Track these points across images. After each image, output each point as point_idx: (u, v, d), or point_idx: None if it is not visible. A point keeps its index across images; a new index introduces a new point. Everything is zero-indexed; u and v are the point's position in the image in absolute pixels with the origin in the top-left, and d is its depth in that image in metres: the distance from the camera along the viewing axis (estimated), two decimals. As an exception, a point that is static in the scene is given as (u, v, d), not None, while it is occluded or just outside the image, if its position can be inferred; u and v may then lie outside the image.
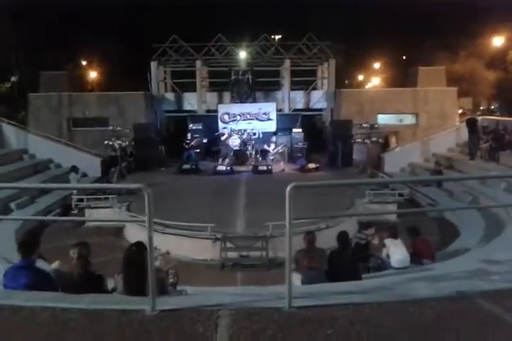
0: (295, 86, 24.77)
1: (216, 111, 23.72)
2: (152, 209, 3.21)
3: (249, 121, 23.03)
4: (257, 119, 23.15)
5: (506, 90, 30.10)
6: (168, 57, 24.22)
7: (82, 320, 3.09)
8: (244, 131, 21.85)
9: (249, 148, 21.16)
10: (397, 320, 3.06)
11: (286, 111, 24.08)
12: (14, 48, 30.70)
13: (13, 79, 33.37)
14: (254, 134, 21.91)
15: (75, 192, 15.11)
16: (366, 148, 20.24)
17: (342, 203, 13.63)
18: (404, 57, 40.19)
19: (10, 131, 21.12)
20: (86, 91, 29.83)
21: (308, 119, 26.08)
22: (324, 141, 24.04)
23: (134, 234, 11.56)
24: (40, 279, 4.27)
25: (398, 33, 34.90)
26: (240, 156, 20.96)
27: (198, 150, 22.19)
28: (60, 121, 23.11)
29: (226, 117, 23.25)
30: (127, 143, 19.62)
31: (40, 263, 4.76)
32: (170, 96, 25.20)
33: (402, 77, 29.83)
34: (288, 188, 3.16)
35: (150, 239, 3.24)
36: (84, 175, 19.77)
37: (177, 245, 10.73)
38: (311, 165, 19.98)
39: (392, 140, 23.27)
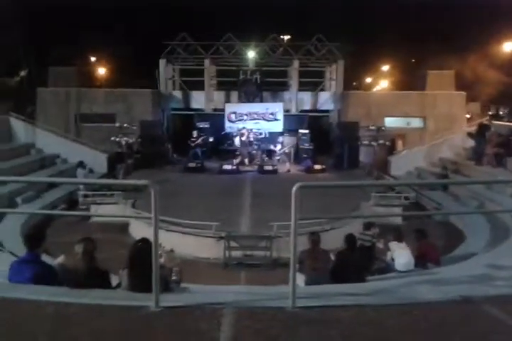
0: (303, 87, 24.72)
1: (223, 110, 23.74)
2: (158, 206, 3.21)
3: (256, 121, 23.02)
4: (264, 119, 23.14)
5: (515, 96, 29.95)
6: (176, 55, 24.25)
7: (85, 315, 3.10)
8: (251, 130, 21.84)
9: (256, 148, 21.14)
10: (400, 322, 3.05)
11: (294, 111, 24.05)
12: (23, 43, 30.80)
13: (22, 73, 33.48)
14: (261, 134, 21.89)
15: (81, 187, 15.15)
16: (373, 151, 20.20)
17: (347, 205, 13.61)
18: (413, 61, 39.99)
19: (18, 126, 21.23)
20: (94, 87, 29.81)
21: (315, 120, 26.01)
22: (331, 142, 23.99)
23: (139, 230, 11.60)
24: (45, 273, 4.28)
25: (407, 36, 34.75)
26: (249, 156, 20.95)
27: (205, 149, 22.21)
28: (67, 116, 23.20)
29: (233, 116, 23.25)
30: (134, 140, 19.70)
31: (45, 258, 4.78)
32: (178, 94, 25.23)
33: (411, 80, 29.68)
34: (294, 188, 3.16)
35: (155, 236, 3.24)
36: (91, 170, 19.82)
37: (181, 243, 10.75)
38: (317, 167, 19.96)
39: (399, 143, 23.21)
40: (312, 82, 25.34)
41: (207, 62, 24.07)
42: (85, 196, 14.74)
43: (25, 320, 3.03)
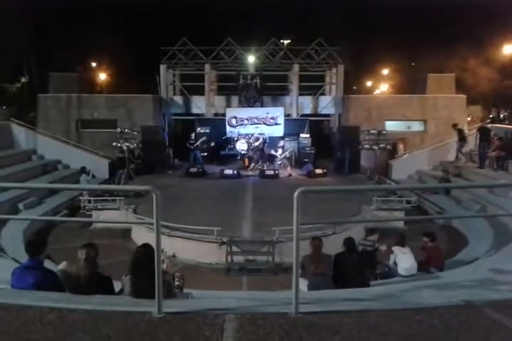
0: (303, 91, 24.76)
1: (224, 114, 23.76)
2: (160, 211, 3.22)
3: (256, 126, 23.04)
4: (265, 124, 23.15)
5: (515, 98, 29.97)
6: (177, 60, 24.31)
7: (88, 321, 3.10)
8: (252, 135, 21.86)
9: (257, 152, 21.13)
10: (404, 327, 3.04)
11: (294, 116, 24.08)
12: (25, 49, 30.95)
13: (23, 79, 33.62)
14: (263, 139, 21.89)
15: (84, 193, 15.15)
16: (374, 155, 20.18)
17: (349, 209, 13.59)
18: (413, 64, 40.07)
19: (19, 132, 21.30)
20: (95, 92, 29.98)
21: (315, 125, 26.04)
22: (332, 146, 24.00)
23: (141, 236, 11.58)
24: (47, 279, 4.28)
25: (407, 39, 34.85)
26: (248, 160, 20.96)
27: (206, 154, 22.22)
28: (68, 122, 23.26)
29: (234, 121, 23.28)
30: (135, 145, 19.71)
31: (47, 264, 4.78)
32: (178, 99, 25.28)
33: (411, 83, 29.78)
34: (296, 193, 3.16)
35: (157, 241, 3.24)
36: (93, 176, 19.85)
37: (183, 248, 10.75)
38: (318, 171, 19.95)
39: (400, 147, 23.20)
40: (312, 86, 25.37)
41: (207, 67, 24.13)
42: (87, 202, 14.72)
43: (28, 327, 3.03)
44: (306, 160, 21.65)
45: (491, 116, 28.25)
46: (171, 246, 10.14)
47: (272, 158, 21.16)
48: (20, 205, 14.67)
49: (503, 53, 28.40)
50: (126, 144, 18.94)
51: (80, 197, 15.09)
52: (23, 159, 19.78)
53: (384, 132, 20.37)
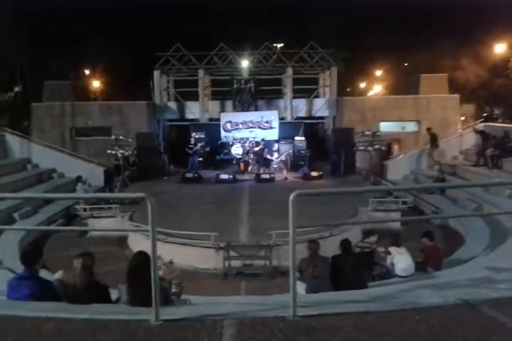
0: (297, 94, 24.83)
1: (218, 119, 23.78)
2: (155, 218, 3.21)
3: (251, 130, 23.06)
4: (260, 128, 23.18)
5: (508, 97, 30.11)
6: (170, 66, 24.34)
7: (86, 330, 3.08)
8: (247, 139, 21.87)
9: (252, 156, 21.16)
10: (402, 328, 3.04)
11: (289, 119, 24.12)
12: (18, 58, 30.91)
13: (16, 88, 33.54)
14: (258, 143, 21.90)
15: (80, 202, 15.09)
16: (369, 156, 20.22)
17: (345, 211, 13.61)
18: (406, 65, 40.24)
19: (13, 141, 21.23)
20: (89, 100, 29.90)
21: (310, 127, 26.11)
22: (327, 148, 24.05)
23: (138, 243, 11.54)
24: (44, 289, 4.26)
25: (399, 40, 34.98)
26: (243, 165, 20.96)
27: (201, 159, 22.21)
28: (63, 130, 23.22)
29: (228, 126, 23.30)
30: (130, 152, 19.66)
31: (44, 274, 4.76)
32: (172, 105, 25.29)
33: (404, 84, 29.87)
34: (291, 196, 3.16)
35: (153, 248, 3.23)
36: (88, 184, 19.80)
37: (180, 254, 10.71)
38: (314, 173, 19.96)
39: (395, 147, 23.27)
40: (306, 89, 25.45)
41: (201, 72, 24.16)
42: (83, 210, 14.68)
43: (26, 338, 3.01)
44: (302, 163, 21.67)
45: (484, 114, 28.44)
46: (168, 252, 10.07)
47: (267, 162, 21.19)
48: (16, 215, 14.59)
49: (494, 52, 28.57)
50: (121, 151, 18.89)
51: (76, 206, 15.03)
52: (18, 168, 19.71)
53: (378, 133, 20.43)
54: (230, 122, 23.35)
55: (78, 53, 33.13)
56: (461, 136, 21.89)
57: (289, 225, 3.18)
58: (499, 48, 27.92)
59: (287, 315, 3.18)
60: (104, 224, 14.14)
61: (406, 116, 23.58)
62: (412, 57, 36.24)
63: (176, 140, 26.50)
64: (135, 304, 3.77)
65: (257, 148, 20.91)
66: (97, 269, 4.70)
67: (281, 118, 23.76)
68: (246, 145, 21.47)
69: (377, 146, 19.92)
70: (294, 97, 24.40)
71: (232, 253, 10.83)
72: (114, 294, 4.56)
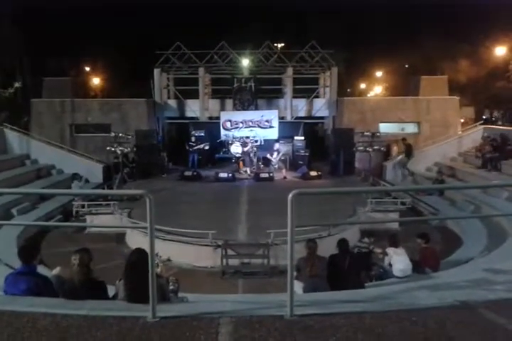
0: (297, 94, 24.82)
1: (218, 118, 23.77)
2: (153, 216, 3.21)
3: (251, 129, 23.05)
4: (259, 127, 23.17)
5: (508, 99, 30.16)
6: (171, 64, 24.31)
7: (83, 326, 3.08)
8: (247, 138, 21.86)
9: (251, 155, 21.15)
10: (399, 329, 3.04)
11: (289, 118, 24.12)
12: (18, 54, 30.88)
13: (16, 84, 33.50)
14: (256, 141, 21.92)
15: (76, 199, 15.08)
16: (368, 157, 20.23)
17: (344, 211, 13.61)
18: (406, 66, 40.27)
19: (13, 137, 21.22)
20: (89, 97, 29.86)
21: (310, 127, 26.11)
22: (326, 149, 24.05)
23: (136, 240, 11.54)
24: (41, 285, 4.25)
25: (401, 41, 35.00)
26: (242, 163, 20.96)
27: (201, 157, 22.20)
28: (62, 127, 23.17)
29: (228, 124, 23.29)
30: (129, 149, 19.65)
31: (41, 270, 4.75)
32: (172, 103, 25.27)
33: (404, 85, 29.88)
34: (290, 195, 3.16)
35: (151, 245, 3.23)
36: (87, 181, 19.80)
37: (178, 252, 10.74)
38: (313, 173, 19.97)
39: (394, 149, 23.28)
40: (306, 89, 25.44)
41: (201, 70, 24.14)
42: (81, 206, 14.67)
43: (22, 333, 3.01)
44: (301, 162, 21.66)
45: (484, 117, 28.48)
46: (166, 250, 10.14)
47: (266, 161, 21.20)
48: (14, 211, 14.59)
49: (495, 54, 28.58)
50: (120, 148, 18.88)
51: (74, 202, 15.02)
52: (17, 164, 19.70)
53: (378, 134, 20.44)
54: (229, 121, 23.34)
55: (78, 50, 33.09)
56: (460, 138, 21.90)
57: (288, 224, 3.18)
58: (500, 51, 27.91)
59: (284, 314, 3.19)
60: (102, 221, 14.13)
61: (406, 117, 23.57)
62: (412, 59, 36.29)
63: (176, 138, 26.48)
64: (132, 301, 3.77)
65: (245, 148, 20.89)
66: (94, 265, 4.69)
67: (281, 118, 23.76)
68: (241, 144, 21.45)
69: (376, 147, 19.93)
70: (294, 97, 24.39)
71: (230, 252, 10.83)
72: (111, 290, 4.56)
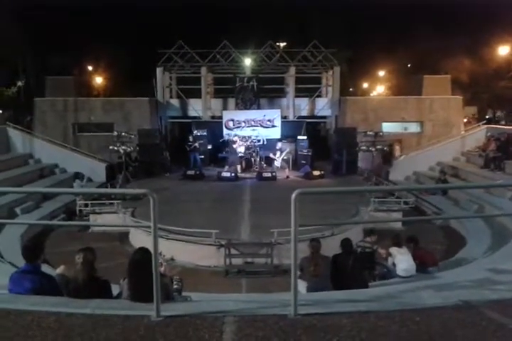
0: (300, 93, 24.82)
1: (221, 117, 23.79)
2: (157, 215, 3.21)
3: (253, 128, 23.06)
4: (262, 126, 23.18)
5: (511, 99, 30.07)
6: (173, 63, 24.35)
7: (87, 325, 3.09)
8: (249, 137, 21.86)
9: (254, 154, 21.17)
10: (403, 328, 3.04)
11: (291, 118, 24.12)
12: (21, 53, 30.93)
13: (19, 83, 33.58)
14: (259, 141, 21.93)
15: (78, 198, 15.11)
16: (371, 156, 20.20)
17: (347, 211, 13.60)
18: (409, 65, 40.19)
19: (16, 136, 21.26)
20: (92, 96, 29.91)
21: (312, 126, 26.13)
22: (329, 148, 24.04)
23: (139, 239, 11.57)
24: (45, 284, 4.26)
25: (403, 41, 34.96)
26: (245, 163, 20.97)
27: (203, 156, 22.22)
28: (65, 126, 23.22)
29: (231, 124, 23.30)
30: (132, 148, 19.67)
31: (45, 268, 4.76)
32: (175, 102, 25.30)
33: (407, 85, 29.81)
34: (293, 195, 3.16)
35: (155, 244, 3.23)
36: (90, 180, 19.83)
37: (181, 251, 10.74)
38: (316, 173, 19.96)
39: (397, 148, 23.24)
40: (309, 88, 25.45)
41: (203, 69, 24.16)
42: (84, 205, 14.70)
43: (27, 331, 3.01)
44: (304, 162, 21.66)
45: (487, 116, 28.41)
46: (169, 249, 10.12)
47: (269, 161, 21.21)
48: (18, 210, 14.63)
49: (498, 54, 28.48)
50: (123, 147, 18.90)
51: (77, 202, 15.05)
52: (20, 163, 19.73)
53: (381, 133, 20.41)
54: (232, 120, 23.36)
55: (81, 49, 33.13)
56: (463, 137, 21.85)
57: (291, 224, 3.18)
58: (503, 50, 27.81)
59: (288, 313, 3.19)
60: (105, 220, 14.16)
61: (408, 116, 23.54)
62: (415, 58, 36.20)
63: (178, 137, 26.51)
64: (136, 300, 3.78)
65: (234, 145, 20.91)
66: (98, 264, 4.70)
67: (283, 117, 23.77)
68: (248, 143, 21.46)
69: (379, 146, 19.90)
70: (297, 96, 24.40)
71: (233, 251, 10.84)
72: (115, 289, 4.57)
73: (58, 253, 9.47)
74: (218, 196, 16.24)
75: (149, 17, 36.06)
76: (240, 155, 21.24)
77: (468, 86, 31.04)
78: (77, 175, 18.29)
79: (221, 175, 19.44)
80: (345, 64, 31.79)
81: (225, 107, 24.78)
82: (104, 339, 2.92)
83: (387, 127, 23.30)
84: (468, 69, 31.43)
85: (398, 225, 13.46)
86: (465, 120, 27.45)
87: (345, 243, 6.98)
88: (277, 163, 20.90)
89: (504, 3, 28.00)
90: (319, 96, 25.25)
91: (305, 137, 23.00)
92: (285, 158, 21.11)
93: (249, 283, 10.00)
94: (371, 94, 42.81)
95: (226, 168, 20.63)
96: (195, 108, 24.61)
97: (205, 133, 22.77)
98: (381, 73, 42.64)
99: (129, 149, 19.32)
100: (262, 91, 24.40)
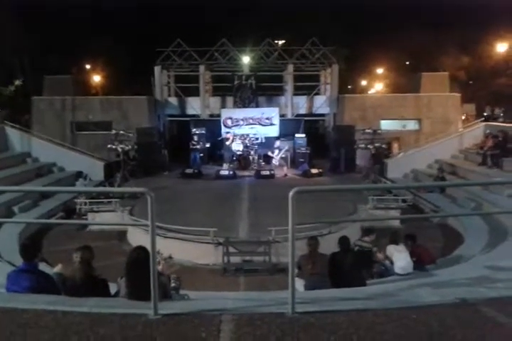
0: (298, 91, 24.81)
1: (219, 115, 23.78)
2: (154, 213, 3.21)
3: (252, 126, 23.04)
4: (260, 124, 23.17)
5: (510, 96, 30.07)
6: (171, 61, 24.30)
7: (84, 323, 3.08)
8: (247, 135, 21.85)
9: (252, 152, 21.17)
10: (400, 326, 3.04)
11: (289, 116, 24.11)
12: (19, 52, 30.84)
13: (17, 82, 33.47)
14: (257, 139, 21.92)
15: (80, 196, 15.09)
16: (369, 154, 20.20)
17: (345, 209, 13.60)
18: (407, 63, 40.19)
19: (14, 135, 21.21)
20: (90, 95, 29.88)
21: (311, 124, 26.15)
22: (327, 146, 24.04)
23: (137, 238, 11.56)
24: (43, 282, 4.26)
25: (401, 38, 34.93)
26: (242, 161, 20.97)
27: (202, 154, 22.21)
28: (63, 124, 23.18)
29: (229, 122, 23.28)
30: (130, 147, 19.64)
31: (43, 267, 4.76)
32: (173, 100, 25.26)
33: (405, 82, 29.82)
34: (291, 193, 3.16)
35: (153, 243, 3.23)
36: (89, 179, 19.81)
37: (179, 249, 10.73)
38: (314, 171, 19.97)
39: (395, 146, 23.25)
40: (307, 86, 25.44)
41: (202, 68, 24.13)
42: (83, 204, 14.68)
43: (24, 330, 3.01)
44: (302, 160, 21.67)
45: (485, 114, 28.42)
46: (167, 247, 10.12)
47: (267, 159, 21.22)
48: (15, 208, 14.60)
49: (496, 51, 28.50)
50: (121, 146, 18.87)
51: (76, 200, 15.04)
52: (18, 162, 19.70)
53: (379, 131, 20.40)
54: (230, 118, 23.34)
55: (79, 48, 33.06)
56: (461, 135, 21.86)
57: (289, 222, 3.18)
58: (501, 47, 27.83)
59: (286, 312, 3.19)
60: (103, 219, 14.15)
61: (407, 114, 23.55)
62: (413, 56, 36.19)
63: (177, 135, 26.49)
64: (134, 298, 3.78)
65: (227, 143, 20.95)
66: (96, 263, 4.71)
67: (281, 115, 23.76)
68: (246, 141, 21.46)
69: (377, 144, 19.90)
70: (295, 94, 24.39)
71: (231, 249, 10.84)
72: (113, 288, 4.57)
73: (56, 251, 9.46)
74: (216, 194, 16.23)
75: (147, 15, 36.01)
76: (238, 153, 21.24)
77: (467, 83, 31.07)
78: (80, 175, 18.27)
79: (219, 173, 19.44)
80: (343, 62, 31.78)
81: (223, 105, 24.76)
82: (101, 337, 2.92)
83: (386, 125, 23.30)
84: (466, 66, 31.46)
85: (396, 223, 13.47)
86: (463, 117, 27.44)
87: (343, 241, 6.98)
88: (275, 161, 20.90)
89: (502, 0, 28.00)
90: (317, 94, 25.23)
91: (303, 135, 22.99)
92: (283, 156, 21.10)
93: (247, 281, 10.00)
94: (369, 92, 42.81)
95: (224, 165, 20.65)
96: (194, 106, 24.59)
97: (203, 132, 22.76)
98: (379, 71, 42.64)
99: (127, 148, 19.29)
100: (260, 90, 24.38)
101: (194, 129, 22.90)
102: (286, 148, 21.59)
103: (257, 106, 23.88)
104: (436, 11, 33.61)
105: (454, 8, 30.88)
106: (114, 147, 18.89)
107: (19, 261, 4.74)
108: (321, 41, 24.24)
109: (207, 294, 6.45)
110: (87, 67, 37.70)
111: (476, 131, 21.45)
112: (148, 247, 3.36)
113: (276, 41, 30.57)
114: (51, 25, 30.90)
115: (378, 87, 43.66)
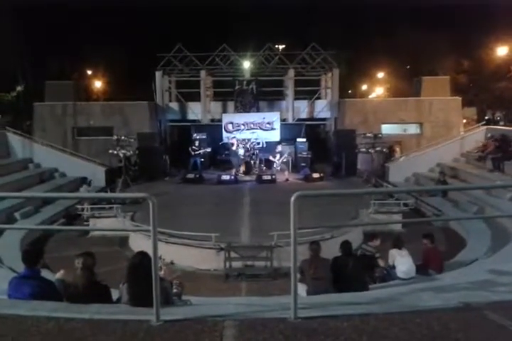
0: (299, 95, 24.82)
1: (220, 120, 23.80)
2: (156, 219, 3.21)
3: (253, 131, 23.05)
4: (261, 129, 23.18)
5: (511, 100, 30.11)
6: (172, 66, 24.35)
7: (86, 330, 3.08)
8: (249, 140, 21.85)
9: (254, 157, 21.16)
10: (403, 331, 3.03)
11: (290, 120, 24.12)
12: (20, 58, 30.98)
13: (18, 88, 33.61)
14: (258, 144, 21.93)
15: (84, 202, 15.08)
16: (370, 158, 20.20)
17: (347, 213, 13.58)
18: (408, 67, 40.24)
19: (15, 141, 21.26)
20: (91, 100, 29.98)
21: (312, 129, 26.13)
22: (328, 150, 24.05)
23: (139, 243, 11.54)
24: (45, 289, 4.25)
25: (402, 42, 34.99)
26: (245, 166, 20.97)
27: (203, 160, 22.22)
28: (64, 130, 23.22)
29: (230, 127, 23.30)
30: (131, 152, 19.66)
31: (45, 273, 4.75)
32: (174, 105, 25.30)
33: (406, 86, 29.85)
34: (293, 197, 3.15)
35: (154, 248, 3.23)
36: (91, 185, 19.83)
37: (181, 255, 10.72)
38: (315, 175, 19.95)
39: (396, 150, 23.24)
40: (308, 90, 25.45)
41: (203, 73, 24.18)
42: (84, 210, 14.67)
43: (26, 337, 3.00)
44: (303, 164, 21.67)
45: (486, 117, 28.45)
46: (169, 252, 10.11)
47: (269, 163, 21.22)
48: (17, 214, 14.60)
49: (497, 55, 28.52)
50: (123, 151, 18.89)
51: (78, 206, 15.03)
52: (20, 168, 19.73)
53: (380, 135, 20.40)
54: (231, 123, 23.36)
55: (80, 53, 33.18)
56: (462, 138, 21.85)
57: (291, 226, 3.18)
58: (501, 51, 27.85)
59: (288, 317, 3.18)
60: (105, 224, 14.13)
61: (408, 118, 23.56)
62: (413, 60, 36.23)
63: (178, 140, 26.51)
64: (136, 304, 3.77)
65: (233, 148, 20.95)
66: (97, 269, 4.70)
67: (282, 120, 23.78)
68: (248, 146, 21.45)
69: (378, 148, 19.90)
70: (296, 99, 24.41)
71: (233, 254, 10.82)
72: (114, 294, 4.56)
73: (58, 257, 9.45)
74: (218, 199, 16.22)
75: (148, 20, 36.14)
76: (241, 157, 21.24)
77: (468, 87, 31.08)
78: (84, 181, 18.30)
79: (221, 178, 19.44)
80: (344, 66, 31.78)
81: (224, 110, 24.78)
82: (103, 344, 2.91)
83: (387, 129, 23.31)
84: (467, 70, 31.48)
85: (398, 227, 13.44)
86: (464, 121, 27.45)
87: (345, 245, 6.95)
88: (277, 166, 20.90)
89: (502, 4, 28.05)
90: (318, 98, 25.24)
91: (304, 139, 23.01)
92: (284, 160, 21.10)
93: (249, 287, 9.97)
94: (370, 96, 42.85)
95: (233, 170, 20.62)
96: (195, 111, 24.62)
97: (204, 137, 22.77)
98: (380, 75, 42.70)
99: (128, 153, 19.31)
100: (261, 94, 24.41)
101: (195, 134, 22.92)
102: (288, 152, 21.61)
103: (258, 110, 23.90)
104: (436, 15, 33.67)
105: (454, 12, 30.98)
106: (115, 152, 18.92)
107: (21, 268, 4.73)
108: (322, 46, 24.28)
109: (209, 300, 6.42)
110: (89, 72, 37.84)
111: (478, 135, 21.45)
112: (150, 253, 3.36)
113: (276, 46, 30.68)
114: (52, 31, 31.05)
115: (379, 91, 43.72)
